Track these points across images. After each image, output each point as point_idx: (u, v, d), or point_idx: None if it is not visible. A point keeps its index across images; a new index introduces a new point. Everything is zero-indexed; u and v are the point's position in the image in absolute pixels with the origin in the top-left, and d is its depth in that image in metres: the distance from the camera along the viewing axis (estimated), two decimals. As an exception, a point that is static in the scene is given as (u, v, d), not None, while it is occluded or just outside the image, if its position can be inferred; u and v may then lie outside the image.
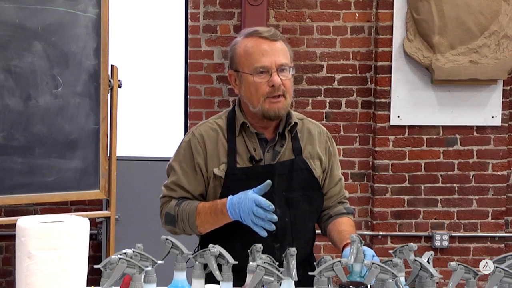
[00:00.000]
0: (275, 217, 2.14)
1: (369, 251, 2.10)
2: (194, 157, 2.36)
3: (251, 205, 2.14)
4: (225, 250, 1.92)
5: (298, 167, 2.37)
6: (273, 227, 2.15)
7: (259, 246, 1.98)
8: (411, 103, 4.63)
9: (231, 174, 2.32)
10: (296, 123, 2.39)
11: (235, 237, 2.29)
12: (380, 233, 4.72)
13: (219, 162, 2.34)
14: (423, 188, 4.71)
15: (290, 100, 2.35)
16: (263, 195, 2.18)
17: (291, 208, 2.35)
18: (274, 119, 2.33)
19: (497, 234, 4.74)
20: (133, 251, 1.87)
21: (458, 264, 1.87)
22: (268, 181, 2.18)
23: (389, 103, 4.63)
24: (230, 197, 2.24)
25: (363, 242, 2.11)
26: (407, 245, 2.03)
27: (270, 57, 2.29)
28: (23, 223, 1.77)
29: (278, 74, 2.29)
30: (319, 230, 2.55)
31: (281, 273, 1.79)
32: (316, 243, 4.64)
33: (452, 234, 4.73)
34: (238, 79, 2.35)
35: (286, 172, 2.35)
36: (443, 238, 4.70)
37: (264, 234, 2.15)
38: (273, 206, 2.15)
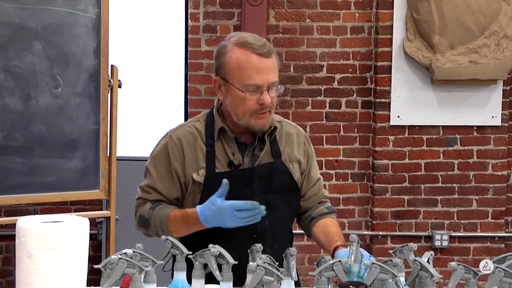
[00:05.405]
0: (262, 208, 2.15)
1: (365, 252, 2.10)
2: (171, 161, 2.34)
3: (232, 214, 2.14)
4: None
5: (278, 170, 2.36)
6: (263, 213, 2.16)
7: (259, 246, 1.98)
8: (411, 103, 4.63)
9: (210, 179, 2.30)
10: (275, 127, 2.38)
11: (216, 239, 2.27)
12: (380, 233, 4.72)
13: (198, 167, 2.32)
14: (423, 188, 4.71)
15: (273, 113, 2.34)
16: (243, 198, 2.19)
17: (270, 211, 2.31)
18: (258, 133, 2.33)
19: (497, 234, 4.74)
20: (133, 251, 1.87)
21: (458, 264, 1.86)
22: (225, 180, 2.18)
23: (389, 103, 4.63)
24: (200, 211, 2.22)
25: (360, 242, 2.11)
26: (407, 245, 2.03)
27: (263, 75, 2.24)
28: (23, 223, 1.77)
29: (268, 92, 2.26)
30: (301, 230, 2.56)
31: (281, 273, 1.79)
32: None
33: (452, 234, 4.73)
34: (224, 87, 2.31)
35: (266, 175, 2.33)
36: (443, 238, 4.70)
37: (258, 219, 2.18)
38: (256, 202, 2.15)
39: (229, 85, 2.28)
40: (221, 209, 2.15)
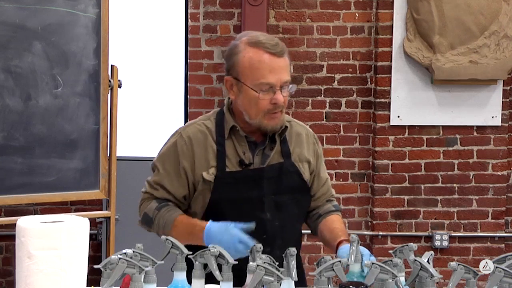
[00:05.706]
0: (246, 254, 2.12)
1: (366, 251, 2.10)
2: (179, 160, 2.33)
3: (234, 242, 2.13)
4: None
5: (287, 170, 2.35)
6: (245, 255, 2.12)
7: (259, 246, 1.98)
8: (411, 103, 4.63)
9: (221, 178, 2.29)
10: (286, 127, 2.37)
11: None
12: (380, 233, 4.72)
13: (208, 165, 2.31)
14: (423, 188, 4.71)
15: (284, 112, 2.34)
16: (253, 198, 2.19)
17: (280, 212, 2.32)
18: (270, 133, 2.32)
19: (497, 234, 4.74)
20: (133, 251, 1.87)
21: (458, 264, 1.86)
22: (253, 224, 2.18)
23: (389, 103, 4.63)
24: (208, 225, 2.21)
25: (360, 242, 2.11)
26: (407, 245, 2.03)
27: (276, 74, 2.24)
28: (23, 223, 1.77)
29: (281, 91, 2.26)
30: (308, 230, 2.55)
31: (281, 273, 1.79)
32: (316, 243, 4.67)
33: (452, 234, 4.73)
34: (236, 87, 2.30)
35: (276, 176, 2.33)
36: (443, 238, 4.70)
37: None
38: (260, 244, 2.11)
39: (241, 84, 2.28)
40: (230, 232, 2.15)
